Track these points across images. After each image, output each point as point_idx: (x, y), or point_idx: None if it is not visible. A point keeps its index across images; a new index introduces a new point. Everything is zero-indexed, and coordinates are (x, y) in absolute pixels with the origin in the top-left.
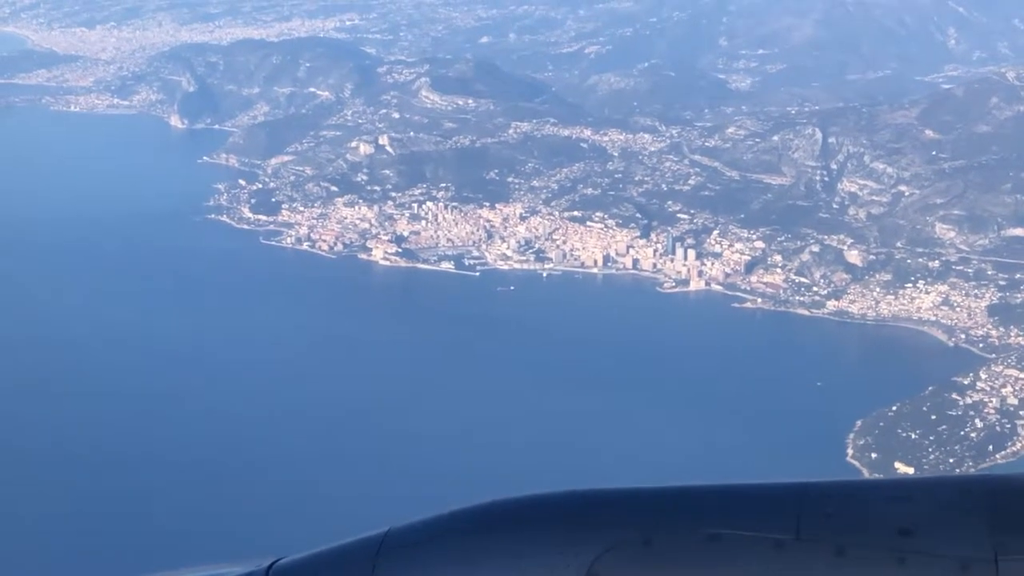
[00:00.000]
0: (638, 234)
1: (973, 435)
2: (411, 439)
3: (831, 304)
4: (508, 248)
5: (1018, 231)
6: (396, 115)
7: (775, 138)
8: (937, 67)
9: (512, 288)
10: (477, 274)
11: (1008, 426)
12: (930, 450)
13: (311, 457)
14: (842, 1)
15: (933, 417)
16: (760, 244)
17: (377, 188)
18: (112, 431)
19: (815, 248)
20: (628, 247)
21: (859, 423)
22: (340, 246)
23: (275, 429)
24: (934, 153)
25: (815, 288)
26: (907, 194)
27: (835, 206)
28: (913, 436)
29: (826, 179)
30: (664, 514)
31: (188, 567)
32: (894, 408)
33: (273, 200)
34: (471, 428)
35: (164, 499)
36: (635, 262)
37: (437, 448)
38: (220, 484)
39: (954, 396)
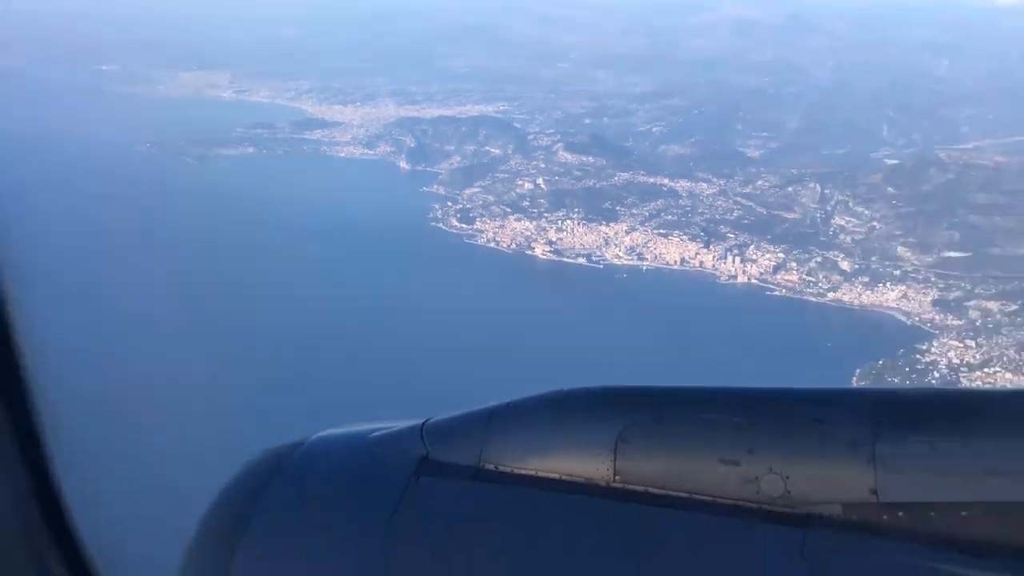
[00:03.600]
0: (702, 245)
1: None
2: None
3: (830, 295)
4: (619, 251)
5: (950, 253)
6: (543, 165)
7: (789, 189)
8: (877, 148)
9: (625, 276)
10: (601, 267)
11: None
12: None
13: None
14: (820, 104)
15: (907, 369)
16: (782, 255)
17: (535, 210)
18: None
19: (818, 259)
20: (696, 253)
21: (858, 372)
22: (514, 245)
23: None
24: (894, 202)
25: (819, 284)
26: (877, 227)
27: (830, 232)
28: (895, 381)
29: (823, 215)
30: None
31: (352, 423)
32: (880, 363)
33: (471, 215)
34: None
35: None
36: (701, 263)
37: None
38: None
39: (916, 356)
